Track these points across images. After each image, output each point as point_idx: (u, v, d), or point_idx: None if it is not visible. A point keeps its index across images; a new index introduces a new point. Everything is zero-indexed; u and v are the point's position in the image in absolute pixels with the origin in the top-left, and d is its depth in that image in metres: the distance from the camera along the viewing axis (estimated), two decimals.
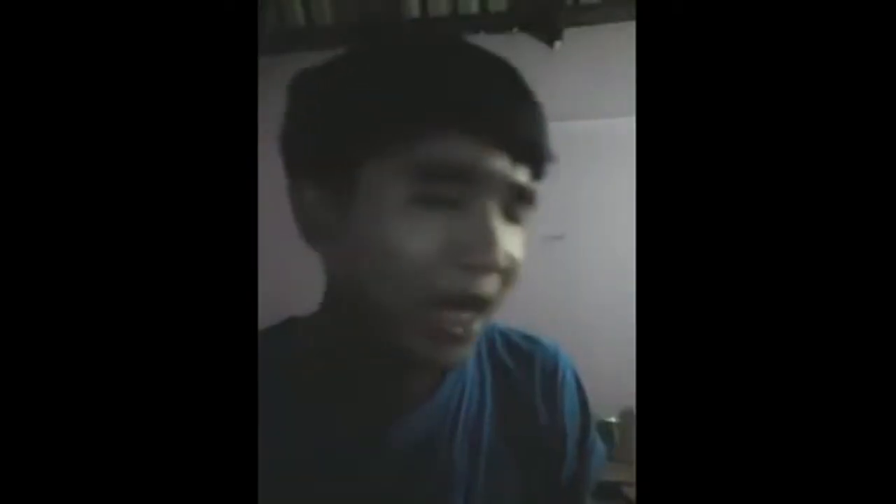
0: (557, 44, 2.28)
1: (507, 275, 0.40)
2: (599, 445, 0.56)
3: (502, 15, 2.31)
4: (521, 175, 0.40)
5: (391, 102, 0.38)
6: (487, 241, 0.38)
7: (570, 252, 2.13)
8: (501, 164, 0.39)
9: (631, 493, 1.68)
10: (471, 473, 0.48)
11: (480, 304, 0.40)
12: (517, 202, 0.41)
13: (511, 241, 0.40)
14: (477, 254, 0.38)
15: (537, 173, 0.42)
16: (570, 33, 2.28)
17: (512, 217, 0.41)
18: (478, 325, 0.41)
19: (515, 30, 2.30)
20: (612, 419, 1.93)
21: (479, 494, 0.48)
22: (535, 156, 0.41)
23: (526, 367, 0.53)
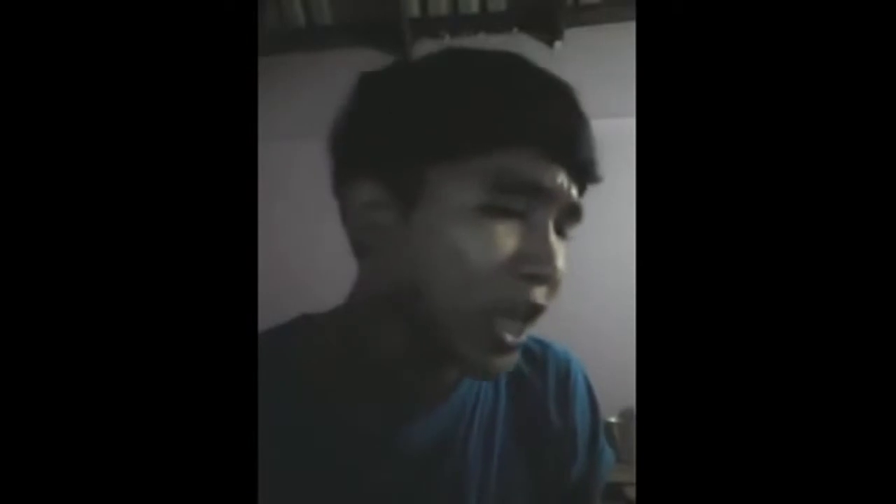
0: (557, 44, 2.28)
1: (555, 286, 0.42)
2: (608, 448, 0.56)
3: (502, 15, 2.31)
4: (575, 193, 0.42)
5: (468, 111, 0.40)
6: (548, 253, 0.40)
7: (570, 252, 2.12)
8: (563, 181, 0.40)
9: (631, 493, 1.68)
10: (484, 474, 0.48)
11: (533, 314, 0.41)
12: (568, 218, 0.43)
13: (561, 253, 0.42)
14: (538, 265, 0.39)
15: (582, 192, 0.44)
16: (570, 33, 2.28)
17: (560, 231, 0.43)
18: (525, 333, 0.42)
19: (515, 30, 2.30)
20: (612, 419, 1.93)
21: (491, 495, 0.48)
22: (588, 176, 0.43)
23: (540, 371, 0.53)
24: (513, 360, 0.43)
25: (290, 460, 0.43)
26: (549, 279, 0.40)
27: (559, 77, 0.43)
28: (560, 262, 0.41)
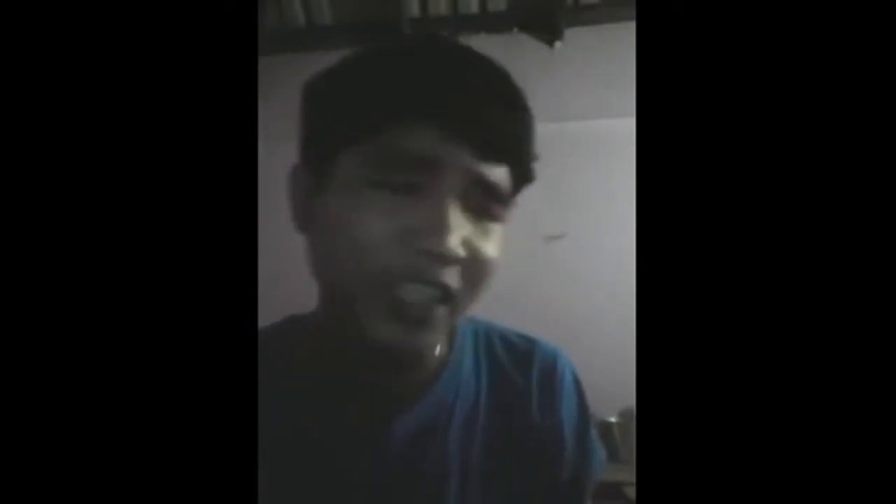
0: (557, 44, 2.28)
1: (472, 268, 0.41)
2: (598, 448, 0.56)
3: (502, 15, 2.31)
4: (491, 171, 0.40)
5: (365, 93, 0.41)
6: (441, 228, 0.38)
7: (570, 252, 2.13)
8: (462, 155, 0.39)
9: (631, 492, 1.68)
10: (464, 471, 0.48)
11: (440, 292, 0.40)
12: (486, 198, 0.41)
13: (478, 235, 0.41)
14: (429, 239, 0.38)
15: (519, 174, 0.43)
16: (570, 33, 2.28)
17: (482, 213, 0.41)
18: (441, 312, 0.41)
19: (515, 30, 2.30)
20: (612, 419, 1.93)
21: (473, 492, 0.48)
22: (508, 153, 0.41)
23: (524, 368, 0.53)
24: (430, 338, 0.42)
25: (275, 459, 0.43)
26: (446, 256, 0.39)
27: (476, 51, 0.42)
28: (475, 242, 0.40)
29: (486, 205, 0.41)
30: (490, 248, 0.42)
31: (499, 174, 0.41)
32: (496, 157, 0.41)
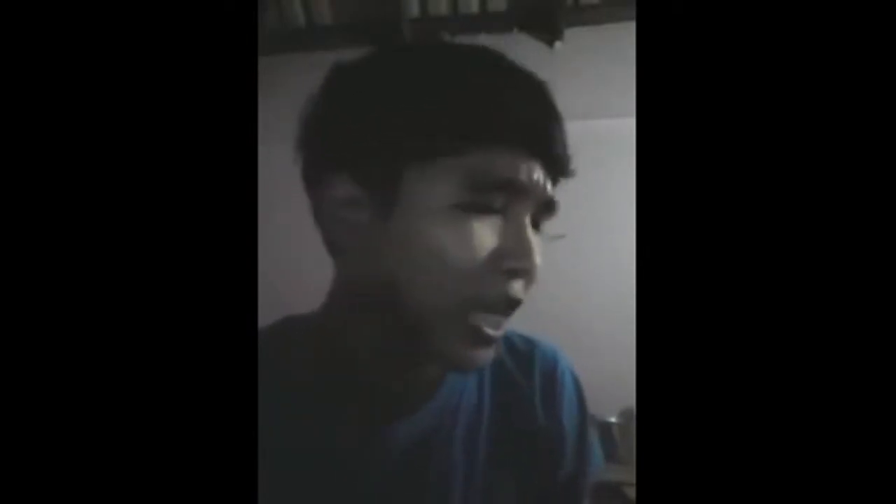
0: (557, 44, 2.28)
1: (532, 279, 0.42)
2: (597, 447, 0.56)
3: (502, 15, 2.31)
4: (549, 187, 0.43)
5: (442, 109, 0.40)
6: (526, 247, 0.40)
7: (570, 252, 2.13)
8: (539, 177, 0.41)
9: (631, 493, 1.68)
10: (468, 473, 0.48)
11: (511, 307, 0.42)
12: (543, 212, 0.44)
13: (537, 247, 0.42)
14: (517, 260, 0.40)
15: (556, 184, 0.45)
16: (570, 33, 2.28)
17: (535, 225, 0.43)
18: (504, 326, 0.43)
19: (515, 30, 2.30)
20: (612, 419, 1.93)
21: (476, 494, 0.48)
22: (561, 170, 0.44)
23: (525, 369, 0.53)
24: (491, 353, 0.43)
25: (275, 460, 0.43)
26: (527, 273, 0.41)
27: (532, 73, 0.43)
28: (537, 256, 0.41)
29: (542, 218, 0.44)
30: (539, 256, 0.43)
31: (551, 187, 0.43)
32: (557, 175, 0.43)
